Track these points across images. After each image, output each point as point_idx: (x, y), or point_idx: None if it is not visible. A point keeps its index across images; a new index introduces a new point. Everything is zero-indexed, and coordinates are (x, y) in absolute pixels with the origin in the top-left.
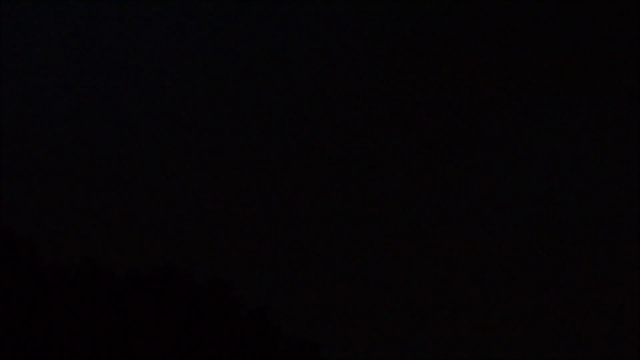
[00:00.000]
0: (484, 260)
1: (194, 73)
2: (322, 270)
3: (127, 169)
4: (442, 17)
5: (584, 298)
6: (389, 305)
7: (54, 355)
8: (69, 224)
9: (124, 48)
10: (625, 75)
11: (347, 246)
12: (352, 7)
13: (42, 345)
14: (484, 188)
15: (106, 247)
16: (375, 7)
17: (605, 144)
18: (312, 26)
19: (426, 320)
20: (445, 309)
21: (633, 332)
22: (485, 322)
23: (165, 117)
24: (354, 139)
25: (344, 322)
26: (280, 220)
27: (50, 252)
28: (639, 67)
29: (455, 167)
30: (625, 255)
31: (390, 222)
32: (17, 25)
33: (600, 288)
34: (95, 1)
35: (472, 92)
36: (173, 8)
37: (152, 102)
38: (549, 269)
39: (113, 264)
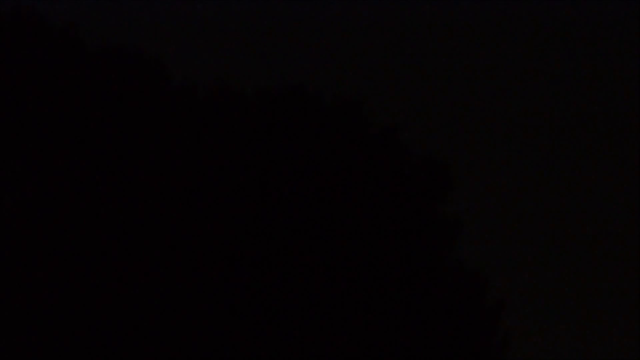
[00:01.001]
0: None
1: None
2: (455, 91)
3: None
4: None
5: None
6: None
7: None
8: (198, 42)
9: None
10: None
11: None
12: None
13: (181, 172)
14: None
15: (237, 65)
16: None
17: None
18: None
19: None
20: None
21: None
22: None
23: None
24: None
25: (473, 140)
26: (415, 39)
27: (180, 70)
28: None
29: None
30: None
31: None
32: None
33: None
34: None
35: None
36: None
37: None
38: None
39: (244, 83)
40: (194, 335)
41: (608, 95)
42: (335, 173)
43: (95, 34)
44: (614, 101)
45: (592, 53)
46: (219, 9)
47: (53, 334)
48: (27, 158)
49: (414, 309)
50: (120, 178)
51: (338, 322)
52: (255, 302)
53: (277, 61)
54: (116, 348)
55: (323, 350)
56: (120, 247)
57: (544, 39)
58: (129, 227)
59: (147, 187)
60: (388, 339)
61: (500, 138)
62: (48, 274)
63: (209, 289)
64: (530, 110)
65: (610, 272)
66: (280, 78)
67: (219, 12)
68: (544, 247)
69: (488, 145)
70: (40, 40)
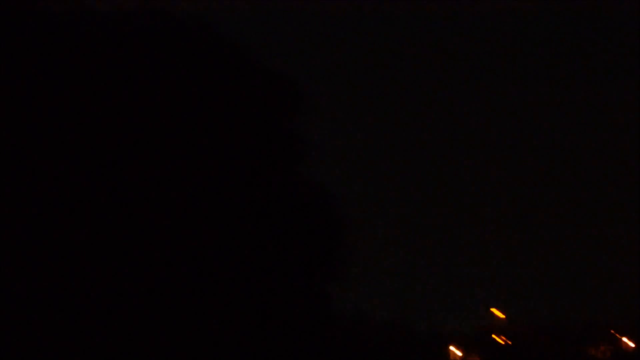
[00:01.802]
0: None
1: None
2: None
3: None
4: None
5: None
6: None
7: None
8: None
9: None
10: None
11: None
12: None
13: None
14: None
15: None
16: None
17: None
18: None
19: None
20: None
21: None
22: None
23: None
24: None
25: (325, 59)
26: None
27: None
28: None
29: None
30: None
31: None
32: None
33: None
34: None
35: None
36: None
37: None
38: None
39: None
40: None
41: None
42: (184, 89)
43: None
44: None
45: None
46: None
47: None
48: None
49: (261, 222)
50: None
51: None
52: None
53: None
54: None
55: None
56: None
57: None
58: None
59: None
60: (236, 251)
61: (351, 58)
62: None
63: None
64: (378, 25)
65: (446, 185)
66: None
67: None
68: (390, 163)
69: (338, 63)
70: None
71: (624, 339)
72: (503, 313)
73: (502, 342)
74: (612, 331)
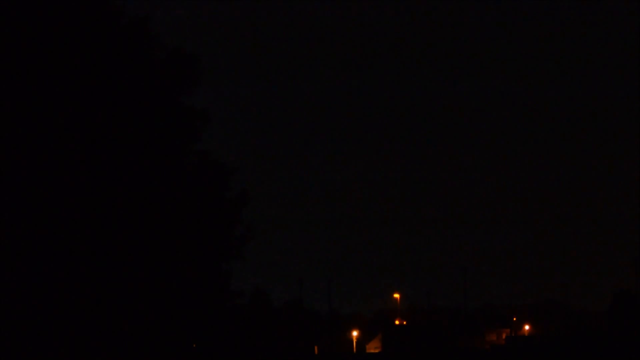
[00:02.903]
0: None
1: None
2: None
3: None
4: None
5: None
6: None
7: None
8: None
9: None
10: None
11: None
12: None
13: None
14: None
15: None
16: None
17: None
18: None
19: None
20: None
21: None
22: None
23: None
24: None
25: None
26: None
27: None
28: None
29: None
30: None
31: None
32: None
33: None
34: None
35: None
36: None
37: None
38: None
39: None
40: None
41: None
42: (80, 63)
43: None
44: None
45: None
46: None
47: None
48: None
49: (157, 199)
50: None
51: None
52: None
53: None
54: None
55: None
56: None
57: None
58: None
59: None
60: (133, 229)
61: (252, 32)
62: None
63: None
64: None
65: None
66: None
67: None
68: (291, 139)
69: (241, 39)
70: None
71: (525, 325)
72: (403, 297)
73: (401, 324)
74: (512, 317)
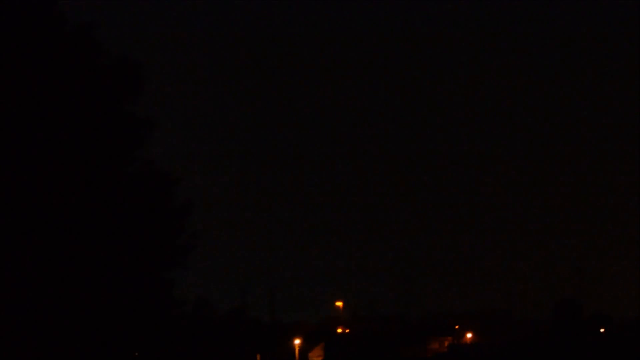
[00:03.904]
0: None
1: None
2: None
3: None
4: None
5: None
6: None
7: None
8: None
9: None
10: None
11: None
12: None
13: None
14: None
15: None
16: None
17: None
18: None
19: None
20: None
21: None
22: None
23: None
24: None
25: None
26: None
27: None
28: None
29: None
30: None
31: None
32: None
33: None
34: None
35: None
36: None
37: None
38: None
39: None
40: None
41: None
42: (22, 69)
43: None
44: None
45: None
46: None
47: None
48: None
49: (100, 208)
50: None
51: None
52: None
53: None
54: None
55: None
56: None
57: None
58: None
59: None
60: (76, 237)
61: (198, 39)
62: None
63: None
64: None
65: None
66: None
67: None
68: (236, 147)
69: (185, 46)
70: None
71: (467, 333)
72: (346, 305)
73: (344, 332)
74: (455, 325)
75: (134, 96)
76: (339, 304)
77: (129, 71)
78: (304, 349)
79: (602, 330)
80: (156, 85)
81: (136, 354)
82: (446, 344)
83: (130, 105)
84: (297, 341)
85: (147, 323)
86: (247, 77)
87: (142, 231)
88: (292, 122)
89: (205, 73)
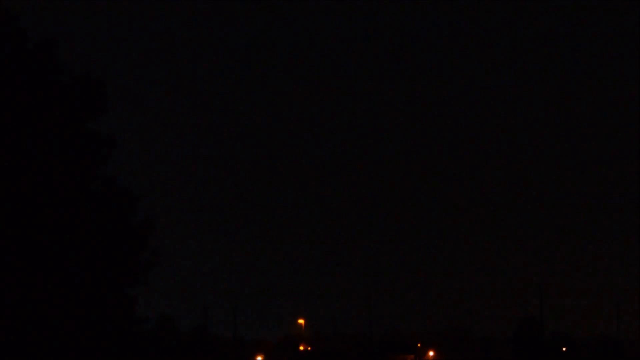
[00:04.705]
0: None
1: None
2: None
3: None
4: None
5: None
6: None
7: None
8: None
9: None
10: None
11: None
12: None
13: None
14: None
15: None
16: None
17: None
18: None
19: None
20: None
21: None
22: None
23: None
24: None
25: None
26: None
27: None
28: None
29: None
30: None
31: None
32: None
33: None
34: None
35: None
36: None
37: None
38: None
39: None
40: None
41: None
42: None
43: None
44: None
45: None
46: None
47: None
48: None
49: (61, 225)
50: None
51: None
52: None
53: None
54: None
55: None
56: None
57: None
58: None
59: None
60: (36, 254)
61: (160, 57)
62: None
63: None
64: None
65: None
66: None
67: None
68: (197, 167)
69: (142, 61)
70: None
71: (430, 351)
72: (308, 323)
73: (306, 350)
74: (417, 343)
75: (97, 114)
76: (301, 321)
77: (91, 89)
78: None
79: (563, 349)
80: (118, 102)
81: None
82: None
83: (92, 123)
84: (259, 358)
85: (109, 340)
86: (212, 95)
87: (103, 248)
88: (252, 140)
89: (167, 90)
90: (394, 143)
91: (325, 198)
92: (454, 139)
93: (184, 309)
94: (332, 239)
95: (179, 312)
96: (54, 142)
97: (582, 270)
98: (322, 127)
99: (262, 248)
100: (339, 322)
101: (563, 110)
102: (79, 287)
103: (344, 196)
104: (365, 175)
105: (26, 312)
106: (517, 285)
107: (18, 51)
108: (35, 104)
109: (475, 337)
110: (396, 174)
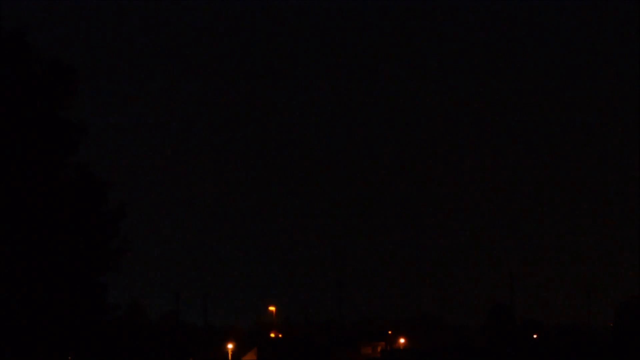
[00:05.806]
0: None
1: None
2: None
3: None
4: None
5: None
6: None
7: None
8: None
9: None
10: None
11: None
12: None
13: None
14: None
15: None
16: None
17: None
18: None
19: None
20: None
21: None
22: None
23: None
24: None
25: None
26: None
27: None
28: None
29: None
30: None
31: None
32: None
33: None
34: None
35: None
36: None
37: None
38: None
39: None
40: None
41: None
42: None
43: None
44: None
45: None
46: None
47: None
48: None
49: (31, 213)
50: None
51: None
52: None
53: None
54: None
55: None
56: None
57: None
58: None
59: None
60: (6, 242)
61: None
62: None
63: None
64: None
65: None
66: None
67: None
68: (169, 155)
69: (117, 47)
70: None
71: (400, 338)
72: (279, 310)
73: (277, 337)
74: (388, 330)
75: (68, 101)
76: (272, 308)
77: (62, 76)
78: (237, 353)
79: (534, 336)
80: (90, 88)
81: (70, 358)
82: (379, 349)
83: (63, 110)
84: (230, 345)
85: (80, 327)
86: (180, 82)
87: (74, 235)
88: (224, 127)
89: (141, 76)
90: (366, 132)
91: (296, 186)
92: (427, 128)
93: (155, 296)
94: (303, 227)
95: (150, 300)
96: (24, 129)
97: (552, 258)
98: (282, 111)
99: (233, 235)
100: (310, 310)
101: (536, 103)
102: (49, 275)
103: (315, 184)
104: (336, 163)
105: None
106: (488, 273)
107: None
108: (5, 92)
109: (446, 324)
110: (364, 162)
